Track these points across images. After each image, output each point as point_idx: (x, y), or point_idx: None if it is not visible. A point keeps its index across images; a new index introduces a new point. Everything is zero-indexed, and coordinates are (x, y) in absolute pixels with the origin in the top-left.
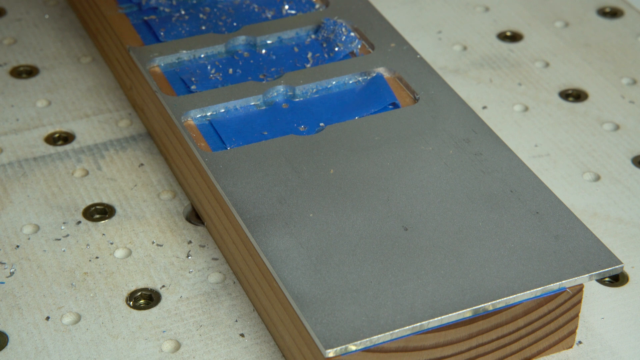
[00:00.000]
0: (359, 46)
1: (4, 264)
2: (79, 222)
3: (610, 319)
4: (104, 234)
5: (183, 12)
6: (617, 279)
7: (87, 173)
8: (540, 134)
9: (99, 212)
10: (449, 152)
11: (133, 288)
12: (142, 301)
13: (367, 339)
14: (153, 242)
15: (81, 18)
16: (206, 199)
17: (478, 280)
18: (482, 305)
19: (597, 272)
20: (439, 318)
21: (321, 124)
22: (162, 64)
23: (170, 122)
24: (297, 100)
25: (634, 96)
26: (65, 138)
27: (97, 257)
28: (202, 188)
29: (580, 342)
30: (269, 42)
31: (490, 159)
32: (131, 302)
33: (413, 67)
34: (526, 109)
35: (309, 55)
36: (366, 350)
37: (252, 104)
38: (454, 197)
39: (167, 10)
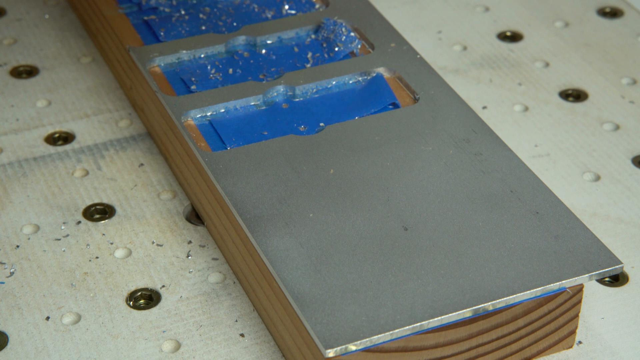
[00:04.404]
0: (359, 46)
1: (4, 264)
2: (79, 222)
3: (610, 319)
4: (104, 234)
5: (183, 12)
6: (617, 279)
7: (87, 173)
8: (540, 134)
9: (99, 212)
10: (449, 152)
11: (133, 288)
12: (142, 301)
13: (367, 339)
14: (153, 242)
15: (81, 18)
16: (206, 199)
17: (478, 280)
18: (482, 305)
19: (597, 272)
20: (439, 318)
21: (321, 124)
22: (162, 64)
23: (170, 122)
24: (297, 100)
25: (634, 96)
26: (65, 138)
27: (97, 257)
28: (202, 188)
29: (580, 342)
30: (269, 42)
31: (490, 159)
32: (131, 302)
33: (413, 67)
34: (526, 109)
35: (309, 55)
36: (366, 350)
37: (252, 104)
38: (454, 197)
39: (167, 10)
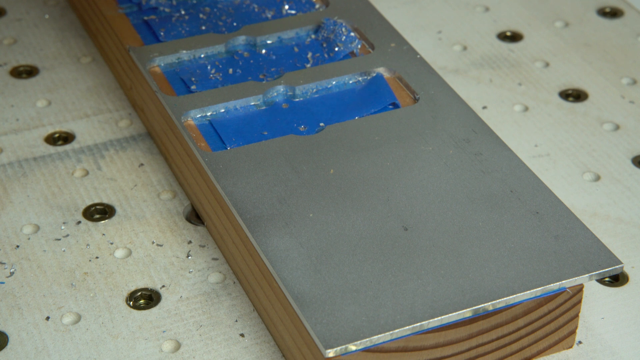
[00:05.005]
0: (359, 46)
1: (4, 264)
2: (79, 222)
3: (610, 319)
4: (104, 234)
5: (183, 12)
6: (617, 279)
7: (87, 173)
8: (540, 134)
9: (99, 212)
10: (449, 152)
11: (133, 288)
12: (142, 301)
13: (367, 339)
14: (153, 242)
15: (81, 18)
16: (206, 199)
17: (478, 280)
18: (482, 305)
19: (597, 272)
20: (439, 318)
21: (321, 124)
22: (162, 64)
23: (170, 122)
24: (297, 100)
25: (634, 96)
26: (65, 138)
27: (97, 257)
28: (202, 188)
29: (580, 342)
30: (269, 42)
31: (490, 159)
32: (131, 302)
33: (413, 67)
34: (526, 109)
35: (309, 55)
36: (366, 350)
37: (252, 104)
38: (454, 197)
39: (167, 10)
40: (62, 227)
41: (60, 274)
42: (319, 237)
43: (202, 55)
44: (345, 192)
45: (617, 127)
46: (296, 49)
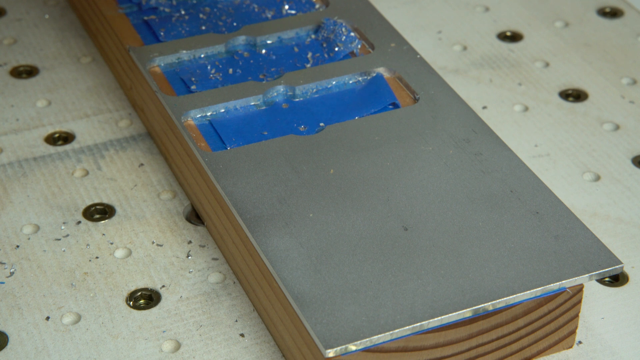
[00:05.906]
0: (359, 46)
1: (4, 264)
2: (79, 222)
3: (610, 319)
4: (104, 234)
5: (183, 12)
6: (617, 279)
7: (87, 173)
8: (540, 134)
9: (99, 212)
10: (449, 152)
11: (133, 288)
12: (142, 301)
13: (367, 339)
14: (153, 242)
15: (81, 18)
16: (206, 199)
17: (478, 280)
18: (482, 305)
19: (597, 272)
20: (439, 318)
21: (321, 124)
22: (162, 64)
23: (170, 122)
24: (297, 100)
25: (634, 96)
26: (65, 138)
27: (97, 257)
28: (202, 188)
29: (580, 342)
30: (269, 42)
31: (490, 159)
32: (131, 302)
33: (413, 67)
34: (526, 109)
35: (309, 55)
36: (366, 350)
37: (252, 104)
38: (454, 197)
39: (167, 10)
40: (62, 227)
41: (60, 274)
42: (319, 237)
43: (202, 55)
44: (345, 192)
45: (617, 127)
46: (296, 49)
